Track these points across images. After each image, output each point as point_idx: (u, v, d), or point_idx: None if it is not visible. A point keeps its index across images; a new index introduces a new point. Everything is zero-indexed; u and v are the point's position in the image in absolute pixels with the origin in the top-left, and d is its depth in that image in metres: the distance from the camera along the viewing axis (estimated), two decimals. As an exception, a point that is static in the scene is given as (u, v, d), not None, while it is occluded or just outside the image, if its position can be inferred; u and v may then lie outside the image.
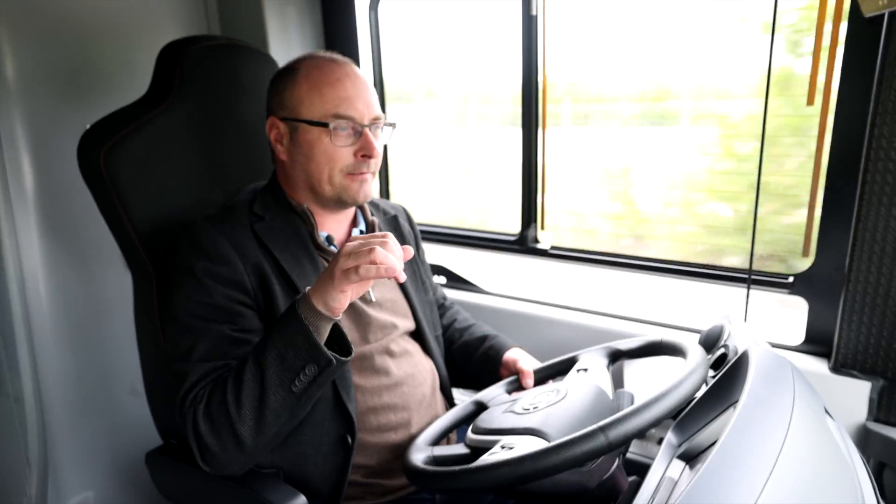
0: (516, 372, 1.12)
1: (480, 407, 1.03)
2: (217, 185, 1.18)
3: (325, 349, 0.85)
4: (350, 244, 0.84)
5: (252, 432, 0.87)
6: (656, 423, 0.74)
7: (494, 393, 1.06)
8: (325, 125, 0.99)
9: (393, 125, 1.07)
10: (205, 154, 1.16)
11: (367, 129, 1.01)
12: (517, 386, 1.10)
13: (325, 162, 1.01)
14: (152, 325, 1.09)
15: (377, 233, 0.88)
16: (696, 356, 0.84)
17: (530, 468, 0.72)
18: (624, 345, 1.04)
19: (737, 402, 0.76)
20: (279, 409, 0.87)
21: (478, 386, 1.17)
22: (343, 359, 0.88)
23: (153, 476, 1.12)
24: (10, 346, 1.40)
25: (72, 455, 1.48)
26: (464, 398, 1.13)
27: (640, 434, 0.74)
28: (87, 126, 1.06)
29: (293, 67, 1.03)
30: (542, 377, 1.11)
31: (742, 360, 0.85)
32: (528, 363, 1.13)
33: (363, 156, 1.01)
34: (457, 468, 0.77)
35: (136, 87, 1.18)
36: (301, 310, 0.86)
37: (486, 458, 0.79)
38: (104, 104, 1.12)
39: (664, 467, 0.81)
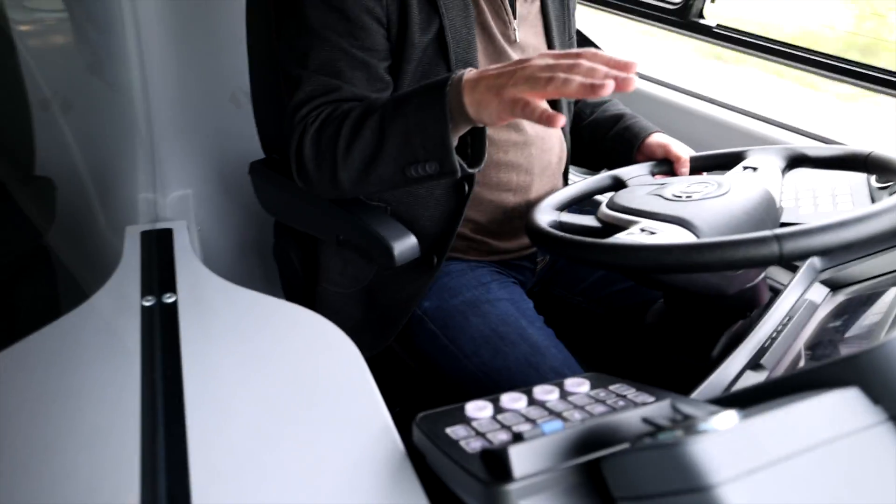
0: (664, 157, 0.99)
1: (617, 183, 0.93)
2: None
3: (455, 157, 0.75)
4: (545, 55, 0.69)
5: (351, 183, 0.83)
6: (845, 245, 0.63)
7: (636, 172, 0.95)
8: None
9: None
10: None
11: None
12: (664, 171, 0.98)
13: None
14: (267, 25, 0.99)
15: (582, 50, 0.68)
16: None
17: (678, 260, 0.64)
18: (812, 151, 0.88)
19: None
20: (386, 180, 0.82)
21: (601, 169, 1.06)
22: (470, 170, 0.79)
23: (256, 187, 1.11)
24: (117, 32, 1.34)
25: (174, 152, 1.49)
26: (577, 178, 1.03)
27: (818, 254, 0.64)
28: None
29: None
30: (698, 167, 0.98)
31: None
32: (681, 149, 0.99)
33: None
34: (591, 240, 0.69)
35: None
36: (450, 95, 0.74)
37: (626, 238, 0.71)
38: None
39: (802, 289, 0.73)
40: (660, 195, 0.79)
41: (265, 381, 0.55)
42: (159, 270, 0.68)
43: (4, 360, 0.56)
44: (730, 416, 0.40)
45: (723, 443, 0.38)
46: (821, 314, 0.71)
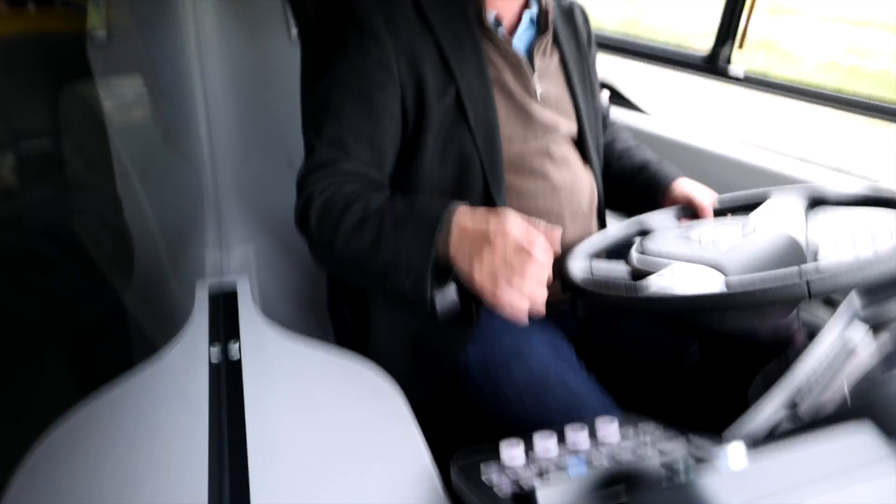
0: (689, 204, 1.02)
1: (645, 229, 0.96)
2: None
3: (428, 293, 0.80)
4: (512, 237, 0.73)
5: (338, 266, 0.93)
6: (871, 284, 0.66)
7: (661, 217, 0.98)
8: None
9: None
10: None
11: None
12: (688, 215, 1.01)
13: None
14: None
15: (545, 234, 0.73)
16: None
17: (708, 303, 0.68)
18: (832, 191, 0.90)
19: None
20: (368, 276, 0.89)
21: (631, 215, 1.10)
22: (435, 312, 0.85)
23: (310, 247, 1.19)
24: (188, 107, 1.48)
25: (236, 211, 1.62)
26: (614, 222, 1.07)
27: (845, 292, 0.66)
28: None
29: None
30: (722, 210, 1.01)
31: None
32: (704, 195, 1.02)
33: None
34: (627, 295, 0.73)
35: None
36: (439, 236, 0.79)
37: (658, 281, 0.74)
38: None
39: (841, 328, 0.74)
40: (687, 238, 0.82)
41: (319, 423, 0.61)
42: (225, 320, 0.76)
43: (86, 412, 0.63)
44: (741, 455, 0.43)
45: (733, 480, 0.41)
46: (861, 354, 0.71)
